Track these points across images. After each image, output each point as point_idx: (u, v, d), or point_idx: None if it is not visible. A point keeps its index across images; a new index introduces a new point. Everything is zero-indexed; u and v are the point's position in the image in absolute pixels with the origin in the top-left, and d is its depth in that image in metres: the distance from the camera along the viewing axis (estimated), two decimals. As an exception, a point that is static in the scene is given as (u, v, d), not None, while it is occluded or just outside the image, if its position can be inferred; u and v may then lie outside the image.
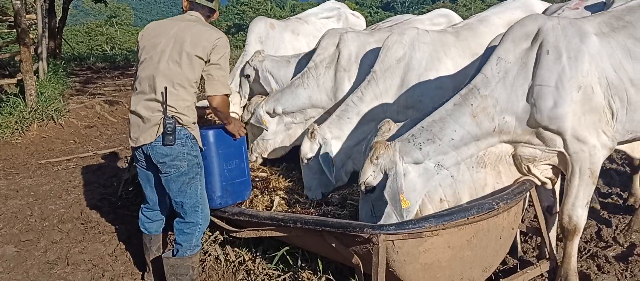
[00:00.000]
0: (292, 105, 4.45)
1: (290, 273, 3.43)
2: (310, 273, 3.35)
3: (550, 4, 4.63)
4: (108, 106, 9.23)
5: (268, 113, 4.46)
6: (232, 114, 3.62)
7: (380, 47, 4.12)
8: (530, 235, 3.87)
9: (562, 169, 3.02)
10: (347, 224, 2.79)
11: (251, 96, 5.32)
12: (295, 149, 4.22)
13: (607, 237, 3.92)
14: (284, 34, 6.14)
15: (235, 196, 3.66)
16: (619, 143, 3.12)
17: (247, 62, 5.23)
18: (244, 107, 4.83)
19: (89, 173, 6.01)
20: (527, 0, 4.72)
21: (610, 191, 4.90)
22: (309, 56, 4.76)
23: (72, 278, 3.74)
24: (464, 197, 2.89)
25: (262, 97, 4.61)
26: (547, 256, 3.32)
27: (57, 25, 12.69)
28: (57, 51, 12.58)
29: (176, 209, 3.28)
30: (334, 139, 3.89)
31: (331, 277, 3.26)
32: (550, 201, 3.45)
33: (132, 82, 3.38)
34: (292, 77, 4.92)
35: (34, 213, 4.74)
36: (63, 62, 11.90)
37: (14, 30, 8.18)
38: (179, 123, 3.11)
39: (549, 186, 3.19)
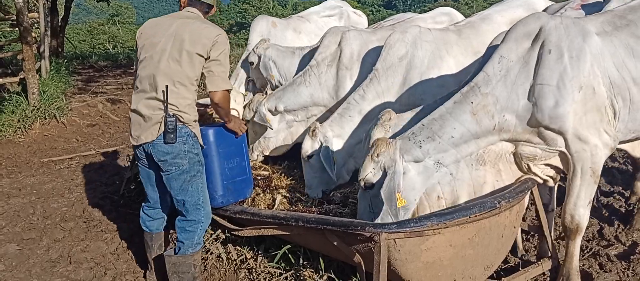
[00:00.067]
0: (294, 103, 4.45)
1: (292, 271, 3.43)
2: (312, 272, 3.36)
3: (552, 2, 4.62)
4: (110, 105, 9.24)
5: (270, 111, 4.46)
6: (233, 112, 3.62)
7: (382, 46, 4.12)
8: (532, 233, 3.86)
9: (564, 169, 3.01)
10: (348, 223, 2.79)
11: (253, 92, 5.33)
12: (297, 147, 4.22)
13: (609, 236, 3.91)
14: (285, 32, 6.14)
15: (237, 194, 3.67)
16: (621, 142, 3.11)
17: (252, 49, 5.23)
18: (245, 105, 4.83)
19: (91, 171, 6.03)
20: (529, -2, 4.71)
21: (612, 189, 4.89)
22: (312, 52, 4.76)
23: (75, 276, 3.75)
24: (462, 195, 2.89)
25: (263, 95, 4.61)
26: (549, 255, 3.31)
27: (60, 23, 12.69)
28: (60, 50, 12.59)
29: (178, 208, 3.29)
30: (335, 137, 3.89)
31: (333, 276, 3.26)
32: (547, 199, 3.45)
33: (133, 80, 3.38)
34: (295, 73, 4.93)
35: (36, 212, 4.76)
36: (65, 60, 11.91)
37: (17, 28, 8.18)
38: (180, 121, 3.11)
39: (551, 184, 3.19)
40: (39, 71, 8.92)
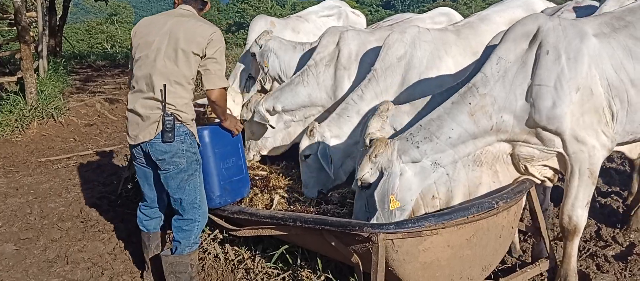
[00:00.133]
0: (292, 103, 4.44)
1: (290, 271, 3.43)
2: (309, 272, 3.35)
3: (552, 3, 4.63)
4: (108, 104, 9.22)
5: (268, 111, 4.45)
6: (228, 112, 3.61)
7: (381, 46, 4.12)
8: (529, 234, 3.86)
9: (562, 170, 3.02)
10: (346, 223, 2.79)
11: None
12: (295, 147, 4.21)
13: (606, 236, 3.91)
14: (284, 32, 6.13)
15: (234, 194, 3.66)
16: (619, 144, 3.12)
17: (254, 40, 5.22)
18: (243, 104, 4.82)
19: (89, 171, 6.01)
20: (528, -1, 4.71)
21: (609, 190, 4.90)
22: (311, 51, 4.75)
23: (72, 276, 3.74)
24: (457, 195, 2.89)
25: (261, 95, 4.60)
26: (545, 256, 3.31)
27: (58, 23, 12.68)
28: (58, 49, 12.57)
29: (174, 207, 3.28)
30: (333, 137, 3.89)
31: (330, 276, 3.26)
32: (541, 199, 3.45)
33: (128, 80, 3.37)
34: (295, 69, 4.92)
35: (33, 211, 4.74)
36: (63, 60, 11.89)
37: (15, 28, 8.18)
38: (178, 120, 3.11)
39: (548, 184, 3.19)
40: (36, 70, 8.91)
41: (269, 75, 5.11)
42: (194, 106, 3.37)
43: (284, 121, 4.54)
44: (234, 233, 3.61)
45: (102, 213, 4.69)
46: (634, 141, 3.17)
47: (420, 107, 3.32)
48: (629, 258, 3.56)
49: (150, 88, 3.09)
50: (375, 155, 2.83)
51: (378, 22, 6.00)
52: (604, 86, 2.85)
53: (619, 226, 4.05)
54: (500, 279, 3.17)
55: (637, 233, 3.90)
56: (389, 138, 2.98)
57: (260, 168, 4.47)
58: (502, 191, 2.91)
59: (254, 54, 5.19)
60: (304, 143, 3.89)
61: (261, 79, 5.20)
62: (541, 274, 3.30)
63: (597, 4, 4.14)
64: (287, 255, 3.50)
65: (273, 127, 4.45)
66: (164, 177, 3.20)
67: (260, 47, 5.08)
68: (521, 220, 3.45)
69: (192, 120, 3.22)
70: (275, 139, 4.58)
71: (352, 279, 3.08)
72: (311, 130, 3.86)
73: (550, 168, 3.05)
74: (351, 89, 4.20)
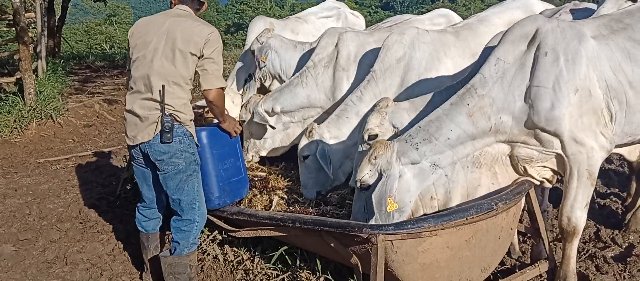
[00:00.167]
0: (291, 104, 4.44)
1: (289, 272, 3.43)
2: (308, 273, 3.35)
3: (550, 4, 4.64)
4: (107, 105, 9.22)
5: (266, 112, 4.45)
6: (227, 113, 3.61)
7: (379, 47, 4.12)
8: (528, 235, 3.86)
9: (561, 171, 3.02)
10: (345, 224, 2.79)
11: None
12: (295, 148, 4.21)
13: (605, 238, 3.92)
14: (283, 33, 6.12)
15: (233, 195, 3.66)
16: (618, 146, 3.12)
17: (256, 37, 5.21)
18: (242, 105, 4.81)
19: (88, 172, 6.01)
20: (527, 0, 4.72)
21: (608, 191, 4.90)
22: (311, 52, 4.75)
23: (71, 277, 3.74)
24: (456, 196, 2.90)
25: (260, 96, 4.60)
26: (544, 257, 3.32)
27: (57, 23, 12.67)
28: (56, 50, 12.56)
29: (173, 207, 3.28)
30: (332, 138, 3.89)
31: (330, 277, 3.26)
32: (539, 200, 3.45)
33: (126, 80, 3.37)
34: (294, 69, 4.91)
35: (32, 212, 4.74)
36: (62, 60, 11.88)
37: (13, 28, 8.17)
38: (177, 121, 3.11)
39: (547, 185, 3.19)
40: (35, 71, 8.89)
41: (268, 72, 5.09)
42: (193, 108, 3.36)
43: (282, 122, 4.53)
44: (233, 234, 3.60)
45: (101, 214, 4.68)
46: (633, 143, 3.18)
47: (420, 105, 3.33)
48: (628, 259, 3.56)
49: (148, 89, 3.09)
50: (375, 157, 2.83)
51: (377, 23, 6.00)
52: (603, 87, 2.85)
53: (618, 227, 4.06)
54: (500, 280, 3.17)
55: (636, 235, 3.90)
56: (388, 139, 2.98)
57: (260, 169, 4.46)
58: (501, 192, 2.91)
59: (254, 51, 5.18)
60: (303, 144, 3.89)
61: (262, 77, 5.18)
62: (540, 275, 3.31)
63: (594, 6, 4.16)
64: (286, 256, 3.50)
65: (273, 128, 4.45)
66: (163, 177, 3.20)
67: (261, 44, 5.07)
68: (520, 221, 3.45)
69: (191, 121, 3.23)
70: (274, 140, 4.58)
71: (351, 280, 3.08)
72: (310, 131, 3.87)
73: (549, 169, 3.06)
74: (350, 91, 4.21)
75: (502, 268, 3.55)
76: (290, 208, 3.75)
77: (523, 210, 3.38)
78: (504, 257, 3.50)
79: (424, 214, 2.87)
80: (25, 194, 5.26)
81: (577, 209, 2.97)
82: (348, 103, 3.96)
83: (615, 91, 2.87)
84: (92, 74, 12.57)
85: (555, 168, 3.03)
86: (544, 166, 3.03)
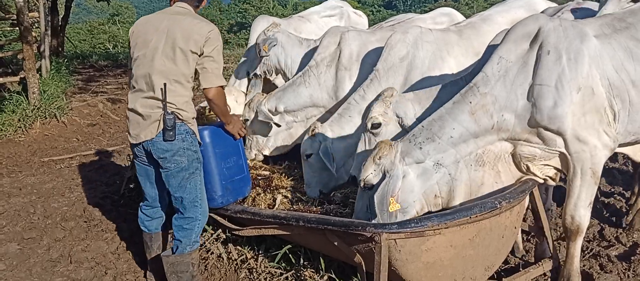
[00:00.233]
0: (294, 104, 4.45)
1: (293, 271, 3.44)
2: (312, 272, 3.36)
3: (554, 4, 4.63)
4: (111, 104, 9.24)
5: (270, 111, 4.46)
6: (235, 112, 3.60)
7: (382, 46, 4.12)
8: (532, 234, 3.86)
9: (564, 170, 3.02)
10: (349, 223, 2.79)
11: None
12: (298, 147, 4.22)
13: (609, 236, 3.91)
14: (286, 32, 6.13)
15: (236, 193, 3.66)
16: (622, 145, 3.12)
17: (263, 30, 5.20)
18: (245, 104, 4.81)
19: (92, 170, 6.03)
20: (530, -1, 4.71)
21: (612, 190, 4.89)
22: (314, 50, 4.74)
23: (75, 276, 3.75)
24: (459, 194, 2.90)
25: (263, 94, 4.60)
26: (548, 256, 3.32)
27: (60, 23, 12.68)
28: (60, 49, 12.58)
29: (175, 205, 3.28)
30: (335, 137, 3.89)
31: (333, 276, 3.26)
32: (542, 198, 3.44)
33: (128, 79, 3.38)
34: (299, 66, 4.91)
35: (36, 211, 4.76)
36: (66, 60, 11.91)
37: (17, 28, 8.19)
38: (179, 119, 3.12)
39: (551, 183, 3.19)
40: (39, 70, 8.93)
41: (273, 66, 5.07)
42: (197, 108, 3.36)
43: (286, 121, 4.54)
44: (237, 232, 3.61)
45: (105, 213, 4.70)
46: (637, 142, 3.17)
47: (424, 97, 3.34)
48: (632, 258, 3.56)
49: (150, 87, 3.10)
50: (379, 157, 2.84)
51: (380, 22, 5.99)
52: (605, 86, 2.85)
53: (622, 226, 4.05)
54: (503, 279, 3.17)
55: (640, 233, 3.90)
56: (392, 138, 2.99)
57: (263, 168, 4.47)
58: (505, 191, 2.91)
59: (258, 45, 5.15)
60: (306, 143, 3.90)
61: (266, 70, 5.15)
62: (544, 274, 3.30)
63: (596, 6, 4.14)
64: (290, 255, 3.50)
65: (278, 126, 4.44)
66: (165, 175, 3.21)
67: (268, 37, 5.05)
68: (524, 220, 3.45)
69: (193, 118, 3.23)
70: (276, 139, 4.58)
71: (355, 279, 3.09)
72: (313, 130, 3.87)
73: (552, 167, 3.06)
74: (353, 90, 4.20)
75: (506, 266, 3.56)
76: (294, 206, 3.75)
77: (527, 209, 3.38)
78: (508, 256, 3.49)
79: (429, 212, 2.88)
80: (30, 193, 5.28)
81: (581, 208, 2.97)
82: (351, 102, 3.96)
83: (618, 89, 2.87)
84: (96, 73, 12.61)
85: (559, 167, 3.03)
86: (547, 165, 3.03)
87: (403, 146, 2.87)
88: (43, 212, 4.74)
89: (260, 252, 3.68)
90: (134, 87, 3.19)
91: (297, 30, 6.28)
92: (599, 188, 3.92)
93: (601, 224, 4.11)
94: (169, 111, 3.07)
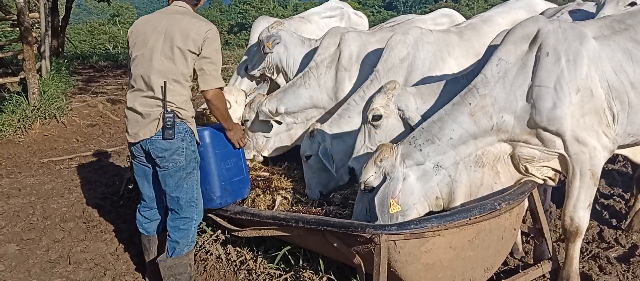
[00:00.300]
0: (294, 105, 4.45)
1: (292, 272, 3.43)
2: (311, 273, 3.36)
3: (554, 5, 4.63)
4: (110, 105, 9.24)
5: (270, 112, 4.46)
6: (235, 112, 3.60)
7: (382, 47, 4.12)
8: (531, 235, 3.86)
9: (563, 171, 3.02)
10: (348, 224, 2.79)
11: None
12: (297, 148, 4.22)
13: (609, 238, 3.91)
14: (286, 33, 6.12)
15: (235, 194, 3.66)
16: (621, 147, 3.12)
17: (267, 27, 5.19)
18: (246, 105, 4.81)
19: (91, 171, 6.03)
20: (530, 0, 4.71)
21: (612, 191, 4.89)
22: (314, 51, 4.74)
23: (74, 277, 3.75)
24: (459, 195, 2.90)
25: (264, 96, 4.60)
26: (547, 257, 3.31)
27: (60, 23, 12.69)
28: (60, 50, 12.59)
29: (171, 205, 3.27)
30: (335, 138, 3.89)
31: (333, 277, 3.26)
32: (541, 199, 3.44)
33: (128, 79, 3.37)
34: (300, 66, 4.90)
35: (36, 212, 4.75)
36: (66, 60, 11.92)
37: (17, 28, 8.19)
38: (178, 118, 3.12)
39: (550, 183, 3.19)
40: (39, 71, 8.93)
41: (274, 65, 5.06)
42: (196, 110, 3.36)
43: (286, 123, 4.54)
44: (236, 233, 3.61)
45: (105, 214, 4.69)
46: (636, 143, 3.17)
47: (426, 92, 3.34)
48: (631, 259, 3.56)
49: (149, 87, 3.10)
50: (381, 159, 2.85)
51: (380, 23, 6.00)
52: (604, 87, 2.86)
53: (622, 228, 4.05)
54: (503, 280, 3.17)
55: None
56: (392, 141, 2.99)
57: (263, 169, 4.47)
58: (505, 192, 2.91)
59: (262, 40, 5.14)
60: (306, 144, 3.89)
61: (267, 67, 5.13)
62: (544, 275, 3.30)
63: (593, 8, 4.14)
64: (289, 256, 3.50)
65: (279, 123, 4.43)
66: (162, 175, 3.20)
67: (271, 34, 5.04)
68: (523, 221, 3.45)
69: (192, 118, 3.23)
70: (275, 140, 4.58)
71: (354, 280, 3.08)
72: (312, 131, 3.87)
73: (552, 168, 3.06)
74: (352, 91, 4.20)
75: (505, 268, 3.55)
76: (293, 207, 3.75)
77: (526, 210, 3.37)
78: (507, 257, 3.49)
79: (430, 212, 2.87)
80: (29, 193, 5.28)
81: (580, 209, 2.97)
82: (351, 103, 3.96)
83: (617, 91, 2.87)
84: (96, 74, 12.61)
85: (558, 168, 3.03)
86: (546, 165, 3.03)
87: (403, 148, 2.88)
88: (42, 213, 4.74)
89: (259, 253, 3.68)
90: (133, 87, 3.19)
91: (298, 31, 6.28)
92: (598, 190, 3.92)
93: (600, 225, 4.11)
94: (169, 110, 3.07)
